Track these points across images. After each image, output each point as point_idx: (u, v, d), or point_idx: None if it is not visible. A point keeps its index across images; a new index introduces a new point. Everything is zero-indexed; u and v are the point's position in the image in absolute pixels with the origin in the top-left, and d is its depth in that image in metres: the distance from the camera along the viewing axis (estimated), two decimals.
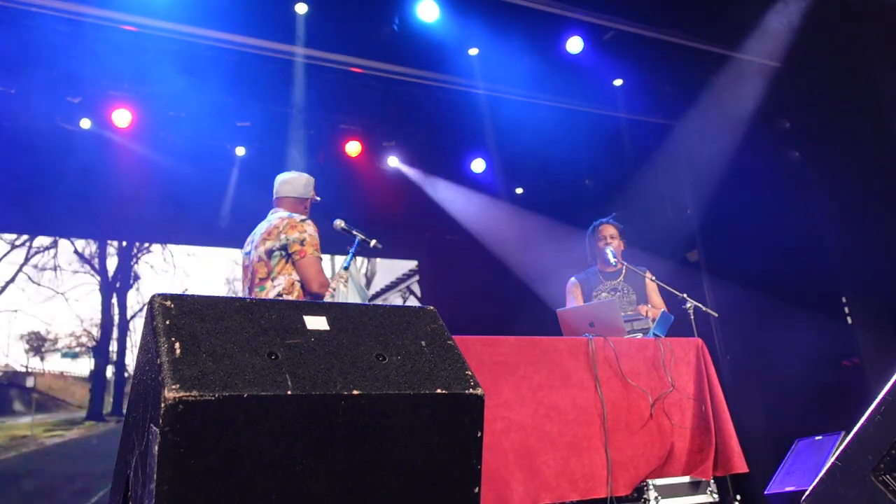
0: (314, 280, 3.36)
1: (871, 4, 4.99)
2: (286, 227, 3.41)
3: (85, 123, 5.60)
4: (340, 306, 1.58)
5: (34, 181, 5.44)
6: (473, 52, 5.57)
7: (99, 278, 6.59)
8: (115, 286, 6.61)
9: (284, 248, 3.38)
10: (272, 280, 3.37)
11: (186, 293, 1.44)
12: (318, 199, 3.80)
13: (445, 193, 7.09)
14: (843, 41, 5.15)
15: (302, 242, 3.37)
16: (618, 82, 6.07)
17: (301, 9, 5.01)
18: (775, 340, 5.53)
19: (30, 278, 6.30)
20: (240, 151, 6.20)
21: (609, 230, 4.35)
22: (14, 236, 6.30)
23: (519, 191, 7.56)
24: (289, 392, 1.31)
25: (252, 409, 1.27)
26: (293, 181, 3.71)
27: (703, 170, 6.24)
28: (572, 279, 4.42)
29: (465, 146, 6.83)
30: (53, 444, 6.10)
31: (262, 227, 3.55)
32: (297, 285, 3.38)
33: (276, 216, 3.55)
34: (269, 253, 3.40)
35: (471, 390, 1.48)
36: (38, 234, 6.16)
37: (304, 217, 3.50)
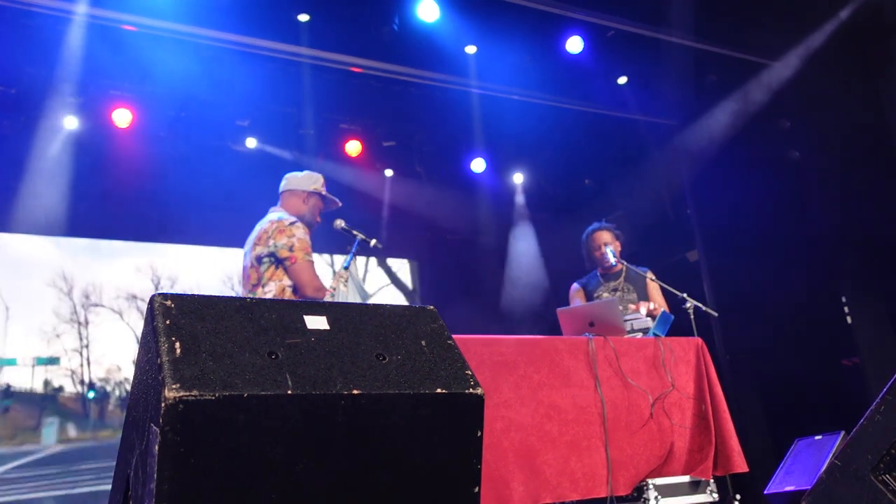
0: (308, 285, 3.33)
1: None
2: (275, 233, 3.38)
3: (85, 123, 5.60)
4: (340, 306, 1.57)
5: (33, 181, 5.43)
6: (472, 50, 5.56)
7: None
8: None
9: (273, 254, 3.35)
10: (263, 287, 3.35)
11: (187, 293, 1.44)
12: (338, 202, 3.75)
13: (445, 193, 7.09)
14: (842, 41, 5.15)
15: (291, 248, 3.34)
16: (621, 80, 6.06)
17: (303, 17, 5.03)
18: (775, 340, 5.53)
19: None
20: (251, 143, 6.12)
21: (603, 237, 4.32)
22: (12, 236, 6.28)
23: (517, 179, 7.50)
24: (289, 392, 1.31)
25: (252, 409, 1.27)
26: (294, 175, 3.71)
27: (704, 170, 6.24)
28: (574, 284, 4.42)
29: (466, 146, 6.82)
30: None
31: (256, 229, 3.53)
32: (288, 290, 3.35)
33: (267, 218, 3.53)
34: (259, 259, 3.38)
35: (471, 390, 1.48)
36: (34, 234, 6.15)
37: (293, 220, 3.46)
